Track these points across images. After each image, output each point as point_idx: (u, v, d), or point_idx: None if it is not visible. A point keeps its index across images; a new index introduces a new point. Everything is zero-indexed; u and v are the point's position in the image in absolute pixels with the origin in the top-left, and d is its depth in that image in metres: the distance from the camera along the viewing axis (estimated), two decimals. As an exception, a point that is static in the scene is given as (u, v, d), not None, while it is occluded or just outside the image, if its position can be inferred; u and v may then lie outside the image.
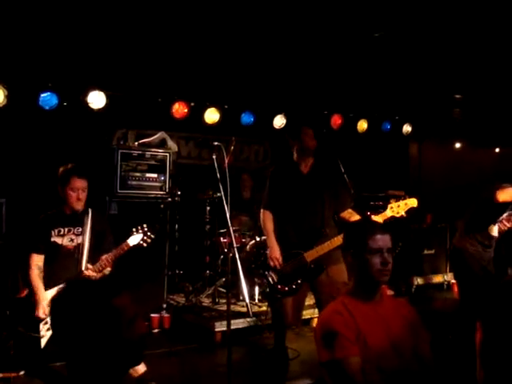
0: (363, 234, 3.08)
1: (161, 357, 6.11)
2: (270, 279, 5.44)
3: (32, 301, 4.91)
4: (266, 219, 5.60)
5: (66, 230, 5.09)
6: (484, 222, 6.26)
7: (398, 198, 5.33)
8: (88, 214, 5.16)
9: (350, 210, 5.49)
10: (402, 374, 2.97)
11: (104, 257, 4.95)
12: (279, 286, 5.40)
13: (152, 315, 7.15)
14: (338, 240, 5.12)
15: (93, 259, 5.02)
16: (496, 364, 3.22)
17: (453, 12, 5.99)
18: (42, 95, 6.94)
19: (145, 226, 5.07)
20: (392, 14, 6.12)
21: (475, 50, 7.15)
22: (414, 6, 5.91)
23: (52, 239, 5.04)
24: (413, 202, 5.22)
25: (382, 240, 3.06)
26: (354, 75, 8.21)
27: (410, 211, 5.28)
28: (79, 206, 5.09)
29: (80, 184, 5.05)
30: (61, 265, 5.04)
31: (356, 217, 5.37)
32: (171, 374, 5.68)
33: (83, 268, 4.97)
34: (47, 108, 7.00)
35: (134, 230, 5.04)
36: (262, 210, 5.66)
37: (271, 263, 5.40)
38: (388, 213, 5.19)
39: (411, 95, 9.27)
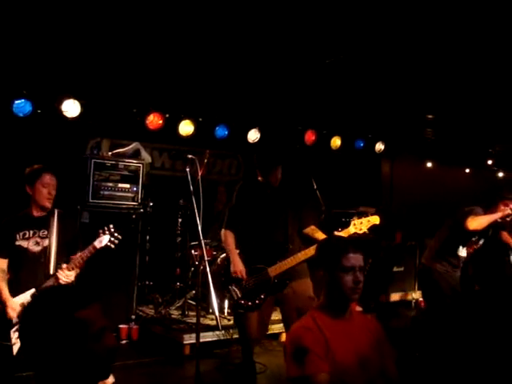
0: (337, 252, 3.11)
1: (128, 368, 6.07)
2: (234, 294, 5.41)
3: (1, 308, 4.78)
4: (228, 236, 5.52)
5: (31, 232, 4.94)
6: (455, 245, 6.36)
7: (360, 215, 5.39)
8: (54, 216, 5.01)
9: (313, 227, 5.51)
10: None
11: (73, 259, 4.82)
12: (242, 301, 5.36)
13: (120, 326, 7.11)
14: (301, 255, 5.17)
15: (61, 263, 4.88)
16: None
17: (426, 33, 6.08)
18: (16, 102, 6.88)
19: (111, 226, 4.94)
20: (366, 34, 6.19)
21: (448, 72, 7.25)
22: (389, 26, 5.99)
23: (17, 243, 4.90)
24: (375, 220, 5.26)
25: (355, 259, 3.10)
26: (329, 92, 8.28)
27: (373, 228, 5.34)
28: (49, 204, 4.96)
29: (51, 180, 4.96)
30: (27, 269, 4.89)
31: (319, 233, 5.41)
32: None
33: (51, 272, 4.84)
34: (21, 115, 6.95)
35: (100, 231, 4.88)
36: (223, 230, 5.59)
37: (235, 276, 5.35)
38: (351, 229, 5.23)
39: (384, 114, 9.38)
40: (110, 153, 7.61)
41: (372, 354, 3.10)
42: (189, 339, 6.61)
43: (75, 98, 7.20)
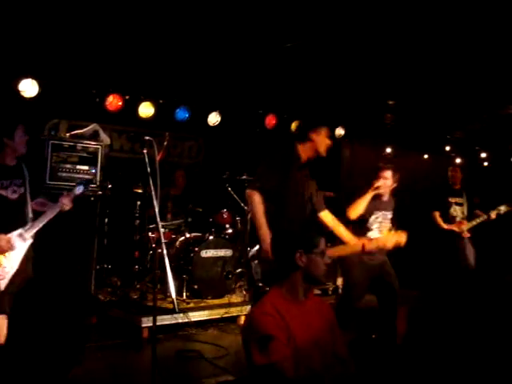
0: (315, 235, 3.18)
1: (86, 352, 6.03)
2: (254, 273, 5.13)
3: None
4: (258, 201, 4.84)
5: (8, 182, 5.18)
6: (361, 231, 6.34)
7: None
8: (23, 165, 5.37)
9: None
10: (327, 373, 3.03)
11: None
12: (261, 284, 5.10)
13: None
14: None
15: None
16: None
17: (386, 20, 6.10)
18: (-28, 81, 6.76)
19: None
20: (327, 18, 6.19)
21: (409, 58, 7.30)
22: (349, 11, 6.00)
23: None
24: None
25: (325, 242, 3.18)
26: (290, 76, 8.28)
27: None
28: (25, 150, 5.32)
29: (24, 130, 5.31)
30: (8, 217, 5.11)
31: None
32: (95, 370, 5.62)
33: (30, 215, 5.21)
34: (-23, 95, 6.84)
35: (75, 184, 5.47)
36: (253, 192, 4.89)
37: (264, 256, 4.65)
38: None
39: (345, 99, 9.41)
40: (68, 134, 7.51)
41: (326, 336, 3.14)
42: (147, 322, 6.56)
43: (33, 77, 7.08)
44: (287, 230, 3.32)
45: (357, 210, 6.18)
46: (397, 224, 6.58)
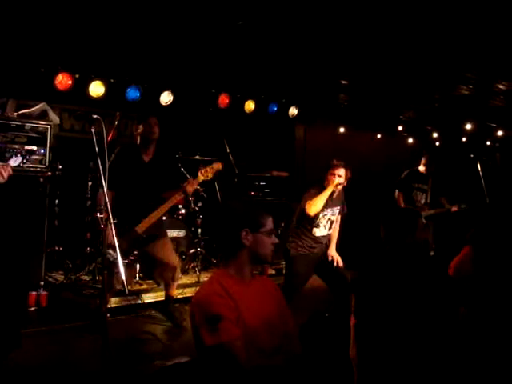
0: (262, 215, 3.16)
1: (36, 336, 5.95)
2: (110, 256, 5.37)
3: None
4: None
5: None
6: (308, 226, 6.43)
7: (205, 164, 6.15)
8: None
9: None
10: (276, 352, 3.03)
11: None
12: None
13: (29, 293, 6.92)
14: (163, 207, 6.06)
15: None
16: (368, 340, 3.34)
17: (341, 1, 6.08)
18: None
19: None
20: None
21: (362, 38, 7.30)
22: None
23: None
24: (218, 166, 6.08)
25: (273, 222, 3.17)
26: (244, 55, 8.22)
27: (218, 174, 6.19)
28: None
29: None
30: None
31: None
32: (46, 353, 5.56)
33: None
34: None
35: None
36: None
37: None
38: (200, 178, 6.03)
39: (298, 79, 9.39)
40: (15, 113, 7.33)
41: (275, 315, 3.14)
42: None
43: (-22, 55, 6.90)
44: (233, 209, 3.26)
45: (316, 206, 6.16)
46: (347, 211, 6.68)
